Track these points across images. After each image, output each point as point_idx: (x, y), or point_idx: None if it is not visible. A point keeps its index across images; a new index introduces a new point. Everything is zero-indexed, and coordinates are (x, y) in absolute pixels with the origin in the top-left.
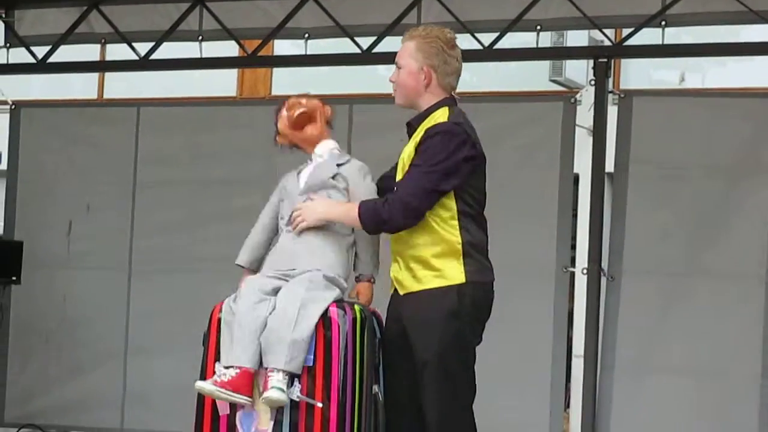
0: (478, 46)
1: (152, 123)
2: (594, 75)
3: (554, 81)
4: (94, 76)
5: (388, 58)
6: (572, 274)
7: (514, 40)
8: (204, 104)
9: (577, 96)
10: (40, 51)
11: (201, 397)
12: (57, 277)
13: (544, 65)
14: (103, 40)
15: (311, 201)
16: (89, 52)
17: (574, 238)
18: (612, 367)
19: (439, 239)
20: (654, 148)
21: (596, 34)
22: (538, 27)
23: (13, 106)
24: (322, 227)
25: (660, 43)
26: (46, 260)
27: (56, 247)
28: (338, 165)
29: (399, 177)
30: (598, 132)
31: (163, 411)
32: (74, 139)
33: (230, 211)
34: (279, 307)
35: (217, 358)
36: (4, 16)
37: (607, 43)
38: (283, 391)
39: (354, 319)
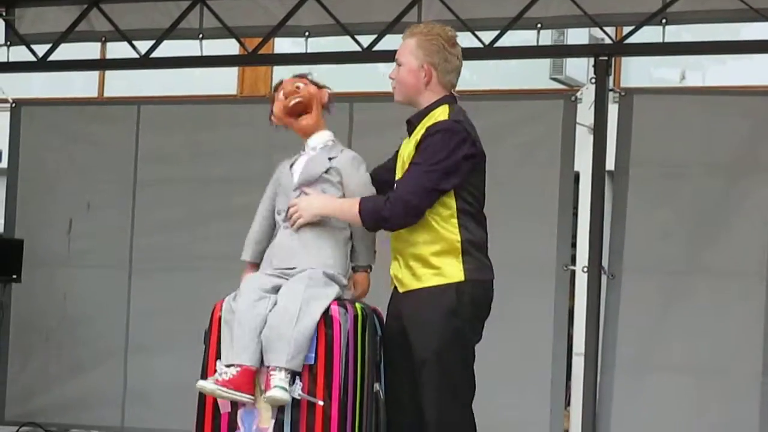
0: (479, 44)
1: (153, 121)
2: (594, 73)
3: (555, 79)
4: (94, 75)
5: (389, 56)
6: (573, 273)
7: (514, 38)
8: (204, 102)
9: (578, 94)
10: (41, 49)
11: (202, 396)
12: (57, 276)
13: (545, 63)
14: (103, 39)
15: (307, 196)
16: (89, 50)
17: (574, 236)
18: (612, 366)
19: (439, 237)
20: (654, 146)
21: (597, 32)
22: (539, 25)
23: (13, 105)
24: (319, 222)
25: (660, 41)
26: (47, 258)
27: (57, 246)
28: (330, 158)
29: (399, 175)
30: (599, 130)
31: (164, 409)
32: (75, 138)
33: (230, 210)
34: (280, 305)
35: (218, 356)
36: (4, 14)
37: (607, 41)
38: (285, 390)
39: (355, 317)
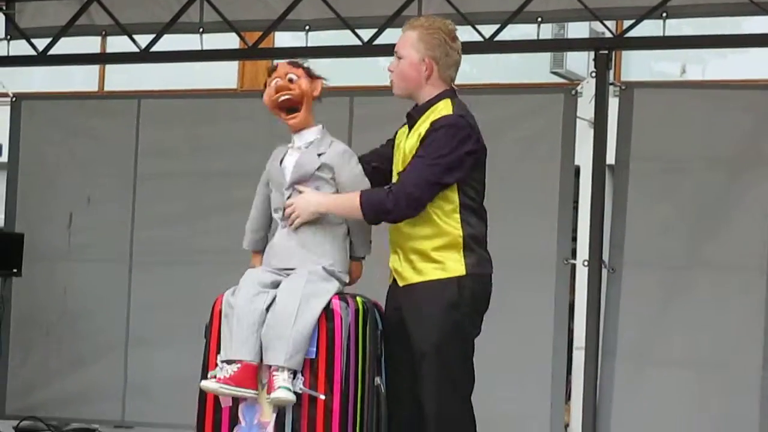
0: (479, 38)
1: (153, 115)
2: (595, 67)
3: (555, 73)
4: (94, 69)
5: (389, 50)
6: (573, 266)
7: (514, 31)
8: (204, 96)
9: (578, 88)
10: (41, 43)
11: (203, 390)
12: (58, 270)
13: (545, 57)
14: (103, 32)
15: (303, 194)
16: (90, 44)
17: (575, 230)
18: (613, 360)
19: (441, 232)
20: (655, 140)
21: (597, 26)
22: (539, 19)
23: (13, 99)
24: (316, 220)
25: (661, 34)
26: (47, 252)
27: (57, 240)
28: (320, 154)
29: (400, 167)
30: (599, 124)
31: (164, 403)
32: (75, 132)
33: (230, 203)
34: (279, 303)
35: (219, 350)
36: (4, 8)
37: (608, 34)
38: (290, 390)
39: (356, 311)
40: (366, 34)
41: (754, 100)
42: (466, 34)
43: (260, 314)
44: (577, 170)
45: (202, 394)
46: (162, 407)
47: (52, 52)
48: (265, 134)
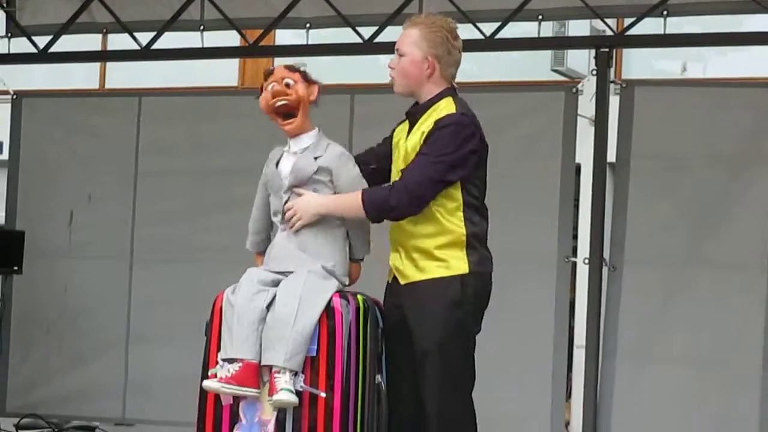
0: (480, 36)
1: (153, 113)
2: (596, 65)
3: (556, 71)
4: (95, 66)
5: (390, 48)
6: (574, 264)
7: (515, 29)
8: (205, 94)
9: (579, 86)
10: (42, 41)
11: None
12: (58, 267)
13: (546, 55)
14: (104, 30)
15: (302, 197)
16: (90, 41)
17: (575, 228)
18: (614, 358)
19: (444, 230)
20: (656, 138)
21: (598, 24)
22: (540, 17)
23: (14, 96)
24: (316, 222)
25: (662, 32)
26: (48, 250)
27: (57, 237)
28: (316, 158)
29: (401, 165)
30: (600, 122)
31: (165, 400)
32: (76, 129)
33: (231, 201)
34: (278, 303)
35: (220, 348)
36: (5, 5)
37: (608, 32)
38: (292, 392)
39: (357, 309)
40: (367, 31)
41: (755, 98)
42: (466, 31)
43: (260, 312)
44: (578, 168)
45: (203, 392)
46: (163, 405)
47: (52, 49)
48: (266, 132)
